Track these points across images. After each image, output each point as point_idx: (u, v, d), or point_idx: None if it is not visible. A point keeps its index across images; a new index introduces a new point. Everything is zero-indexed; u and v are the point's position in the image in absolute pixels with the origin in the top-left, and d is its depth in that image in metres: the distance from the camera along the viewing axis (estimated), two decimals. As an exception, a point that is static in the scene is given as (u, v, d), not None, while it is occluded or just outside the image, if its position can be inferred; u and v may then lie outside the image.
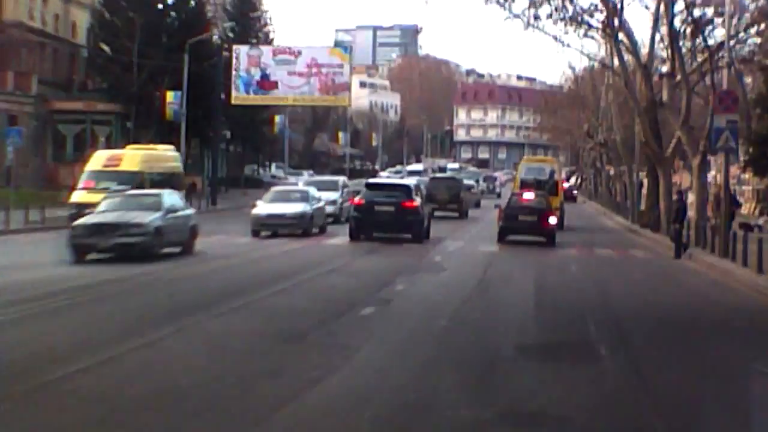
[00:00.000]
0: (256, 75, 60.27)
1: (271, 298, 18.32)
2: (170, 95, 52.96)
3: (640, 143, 50.70)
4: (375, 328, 15.38)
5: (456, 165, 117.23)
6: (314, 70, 59.83)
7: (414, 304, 18.57)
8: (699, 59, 39.61)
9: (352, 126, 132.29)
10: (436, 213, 42.98)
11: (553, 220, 35.16)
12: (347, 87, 60.48)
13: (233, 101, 60.24)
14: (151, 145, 42.87)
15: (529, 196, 36.50)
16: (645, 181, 54.27)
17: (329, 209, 39.49)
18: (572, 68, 67.42)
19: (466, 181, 55.98)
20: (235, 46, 62.45)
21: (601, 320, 16.99)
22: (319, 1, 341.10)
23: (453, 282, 22.83)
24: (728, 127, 29.49)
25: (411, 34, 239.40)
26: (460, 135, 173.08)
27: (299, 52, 60.43)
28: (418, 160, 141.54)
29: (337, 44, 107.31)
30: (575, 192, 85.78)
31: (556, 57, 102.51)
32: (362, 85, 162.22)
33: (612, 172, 74.27)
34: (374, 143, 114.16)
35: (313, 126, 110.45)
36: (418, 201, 33.29)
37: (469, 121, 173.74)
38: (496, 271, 25.85)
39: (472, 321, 16.52)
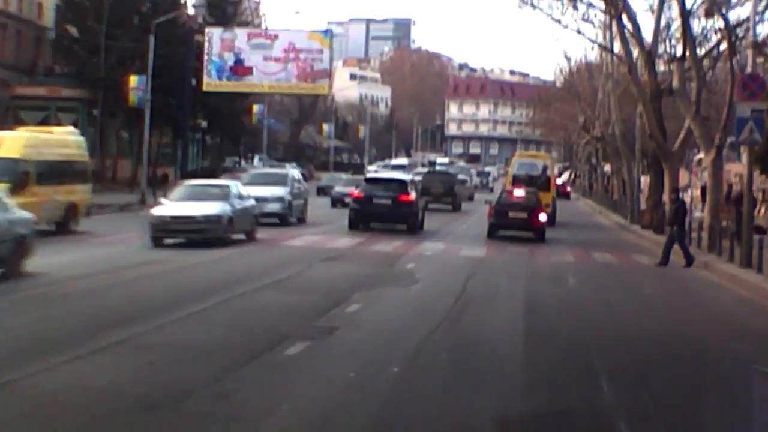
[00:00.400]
0: (230, 60, 55.58)
1: (165, 330, 13.38)
2: (133, 80, 48.14)
3: (641, 137, 46.18)
4: (296, 380, 10.67)
5: (446, 160, 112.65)
6: (292, 55, 55.14)
7: (364, 335, 13.88)
8: (713, 41, 35.05)
9: (340, 118, 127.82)
10: (431, 206, 42.95)
11: (543, 217, 34.37)
12: (327, 74, 55.74)
13: (204, 88, 55.49)
14: (46, 128, 35.46)
15: (519, 192, 35.70)
16: (644, 179, 49.84)
17: (273, 207, 34.09)
18: (568, 58, 62.69)
19: (460, 176, 56.83)
20: (207, 29, 57.53)
21: (616, 366, 12.40)
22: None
23: (423, 300, 18.15)
24: (753, 117, 24.94)
25: (404, 27, 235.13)
26: (452, 129, 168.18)
27: (276, 36, 55.59)
28: (408, 154, 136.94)
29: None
30: (569, 189, 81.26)
31: (551, 49, 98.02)
32: (352, 77, 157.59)
33: (607, 168, 69.66)
34: (361, 136, 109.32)
35: (300, 118, 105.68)
36: (413, 195, 34.49)
37: (461, 116, 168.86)
38: (479, 283, 21.19)
39: (436, 367, 11.83)
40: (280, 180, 36.33)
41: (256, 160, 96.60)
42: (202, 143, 72.13)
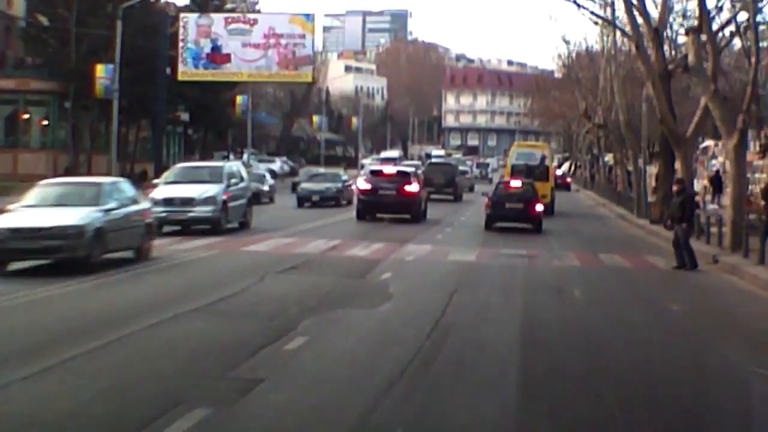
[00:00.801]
0: (206, 47, 51.52)
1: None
2: (100, 69, 44.09)
3: (648, 123, 42.12)
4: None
5: (441, 152, 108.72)
6: (272, 41, 51.07)
7: (291, 397, 9.69)
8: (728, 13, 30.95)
9: (335, 111, 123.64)
10: (433, 196, 43.30)
11: (539, 207, 33.95)
12: (310, 60, 51.64)
13: (180, 77, 51.41)
14: None
15: (515, 183, 35.33)
16: (650, 168, 45.80)
17: (202, 211, 27.86)
18: (566, 42, 58.50)
19: (461, 168, 57.99)
20: (182, 14, 53.29)
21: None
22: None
23: (391, 328, 14.03)
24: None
25: (401, 19, 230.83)
26: (449, 121, 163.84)
27: (255, 21, 51.43)
28: (404, 147, 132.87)
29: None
30: (569, 180, 77.15)
31: (549, 36, 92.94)
32: (347, 69, 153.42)
33: (609, 158, 65.53)
34: (354, 128, 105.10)
35: (292, 110, 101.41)
36: (415, 187, 35.58)
37: (458, 107, 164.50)
38: (465, 300, 17.14)
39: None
40: (213, 176, 29.69)
41: (245, 156, 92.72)
42: (184, 137, 67.98)
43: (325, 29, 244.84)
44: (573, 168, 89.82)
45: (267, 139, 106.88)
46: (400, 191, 34.90)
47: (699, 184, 59.16)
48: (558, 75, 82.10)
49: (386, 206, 35.13)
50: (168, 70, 49.20)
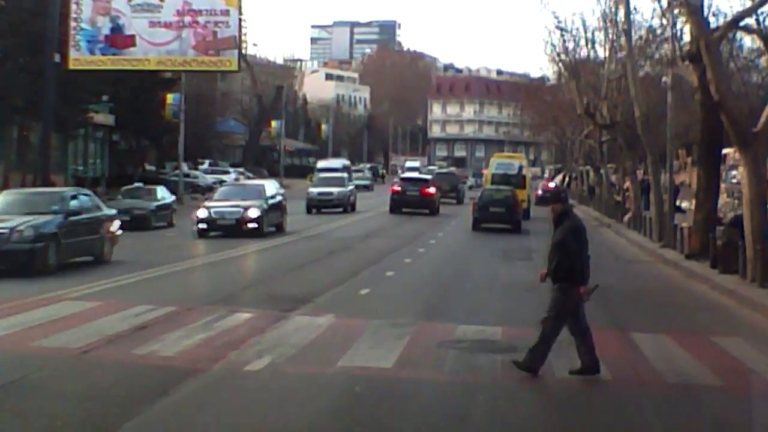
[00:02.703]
0: (105, 28, 38.93)
1: None
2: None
3: (675, 119, 29.70)
4: None
5: (416, 163, 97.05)
6: (188, 19, 38.52)
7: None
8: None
9: (313, 120, 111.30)
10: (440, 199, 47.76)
11: (519, 212, 36.87)
12: (235, 43, 38.96)
13: (71, 65, 38.76)
14: None
15: (500, 190, 37.76)
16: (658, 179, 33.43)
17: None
18: (561, 28, 45.92)
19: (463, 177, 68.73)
20: (75, -13, 40.49)
21: None
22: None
23: None
24: None
25: (390, 30, 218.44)
26: (435, 131, 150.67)
27: (166, -6, 38.74)
28: (386, 157, 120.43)
29: None
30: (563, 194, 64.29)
31: (541, 30, 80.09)
32: (328, 77, 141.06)
33: (611, 170, 52.99)
34: (324, 136, 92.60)
35: (260, 118, 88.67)
36: (433, 189, 44.82)
37: (445, 117, 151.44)
38: None
39: None
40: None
41: (206, 166, 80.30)
42: (109, 144, 55.33)
43: (312, 40, 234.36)
44: (568, 180, 77.17)
45: (233, 148, 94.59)
46: (422, 192, 43.98)
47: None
48: (550, 73, 70.26)
49: (412, 203, 43.62)
50: (57, 57, 36.55)
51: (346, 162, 66.28)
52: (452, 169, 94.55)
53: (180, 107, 49.45)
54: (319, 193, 44.15)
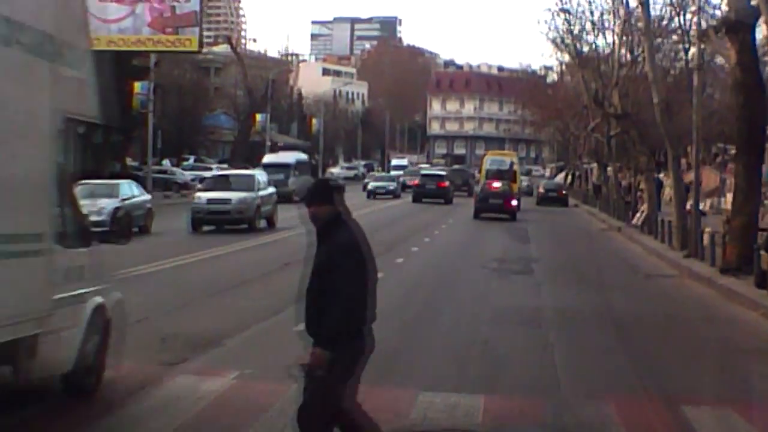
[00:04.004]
0: (50, 2, 33.85)
1: None
2: None
3: (695, 111, 24.72)
4: None
5: (404, 161, 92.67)
6: (143, -8, 33.54)
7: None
8: None
9: (308, 115, 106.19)
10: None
11: (514, 202, 40.93)
12: (196, 20, 33.86)
13: (11, 45, 33.54)
14: None
15: (496, 184, 41.25)
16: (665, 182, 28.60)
17: None
18: (566, 11, 40.93)
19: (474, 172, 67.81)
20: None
21: None
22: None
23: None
24: None
25: (391, 26, 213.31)
26: (434, 128, 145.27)
27: (119, -35, 33.64)
28: (383, 154, 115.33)
29: None
30: (564, 192, 59.38)
31: (543, 15, 74.68)
32: (325, 72, 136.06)
33: (619, 167, 47.84)
34: (315, 130, 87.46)
35: (251, 111, 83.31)
36: (447, 182, 52.70)
37: (444, 114, 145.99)
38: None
39: None
40: None
41: (192, 161, 75.42)
42: (82, 138, 50.11)
43: (313, 36, 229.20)
44: (571, 178, 72.04)
45: (221, 144, 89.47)
46: (438, 185, 51.07)
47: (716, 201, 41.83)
48: (553, 61, 65.70)
49: (430, 194, 50.41)
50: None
51: (301, 156, 54.82)
52: (463, 166, 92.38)
53: (149, 97, 44.39)
54: (210, 201, 28.71)
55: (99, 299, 8.59)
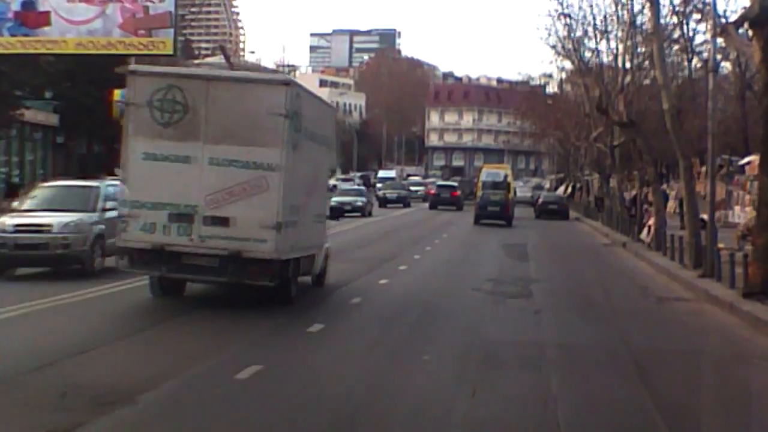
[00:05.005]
0: (15, 2, 31.37)
1: None
2: None
3: (711, 116, 22.22)
4: None
5: (392, 173, 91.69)
6: (114, -8, 31.02)
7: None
8: None
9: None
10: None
11: (509, 210, 45.48)
12: (170, 21, 31.30)
13: (-30, 48, 31.17)
14: None
15: (495, 193, 46.66)
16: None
17: None
18: (567, 15, 38.46)
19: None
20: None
21: None
22: (294, 5, 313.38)
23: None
24: None
25: (389, 38, 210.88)
26: (432, 140, 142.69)
27: (88, -38, 31.13)
28: (380, 165, 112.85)
29: None
30: (565, 204, 56.87)
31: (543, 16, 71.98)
32: (322, 83, 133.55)
33: (621, 179, 45.22)
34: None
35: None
36: (459, 192, 59.77)
37: (443, 125, 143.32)
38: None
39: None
40: None
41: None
42: (51, 147, 47.81)
43: (312, 48, 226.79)
44: (571, 190, 69.41)
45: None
46: (452, 195, 58.82)
47: (745, 215, 39.22)
48: (554, 69, 63.12)
49: (444, 202, 57.43)
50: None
51: None
52: (467, 178, 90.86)
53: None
54: (18, 228, 18.51)
55: (328, 244, 18.25)
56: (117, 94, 42.87)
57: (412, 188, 72.04)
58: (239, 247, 13.91)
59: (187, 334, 13.05)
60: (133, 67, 16.89)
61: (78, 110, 45.76)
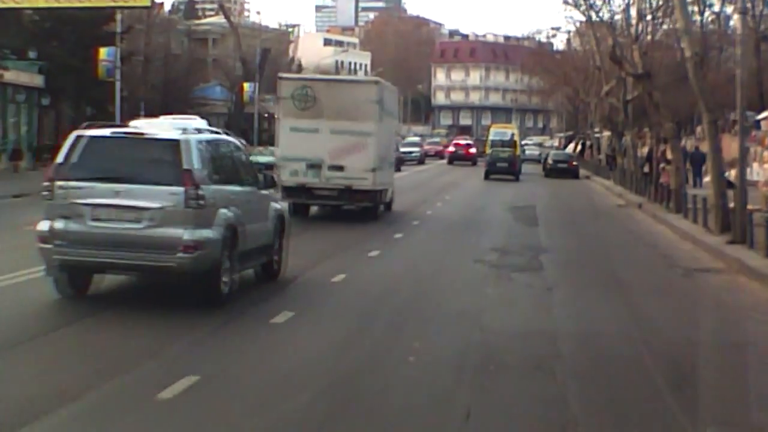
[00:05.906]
0: (-20, -47, 28.85)
1: None
2: None
3: (740, 64, 19.64)
4: None
5: None
6: (87, -60, 28.40)
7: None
8: None
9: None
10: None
11: (516, 166, 48.33)
12: (148, -30, 28.77)
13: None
14: None
15: (503, 151, 49.71)
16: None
17: None
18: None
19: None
20: None
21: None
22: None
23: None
24: None
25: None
26: (439, 99, 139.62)
27: None
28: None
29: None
30: (575, 163, 54.39)
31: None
32: (327, 42, 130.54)
33: (627, 138, 42.55)
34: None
35: (245, 80, 77.95)
36: (474, 149, 64.30)
37: (449, 84, 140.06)
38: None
39: None
40: None
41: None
42: (38, 109, 45.37)
43: (317, 8, 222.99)
44: (581, 148, 66.77)
45: (215, 117, 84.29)
46: (466, 151, 64.59)
47: (764, 172, 36.67)
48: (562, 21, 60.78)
49: (460, 158, 63.07)
50: None
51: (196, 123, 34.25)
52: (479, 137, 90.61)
53: (116, 64, 39.35)
54: None
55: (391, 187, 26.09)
56: (103, 52, 40.56)
57: (404, 150, 60.25)
58: (350, 183, 22.22)
59: (99, 338, 10.66)
60: (281, 74, 25.73)
61: (64, 71, 43.29)
